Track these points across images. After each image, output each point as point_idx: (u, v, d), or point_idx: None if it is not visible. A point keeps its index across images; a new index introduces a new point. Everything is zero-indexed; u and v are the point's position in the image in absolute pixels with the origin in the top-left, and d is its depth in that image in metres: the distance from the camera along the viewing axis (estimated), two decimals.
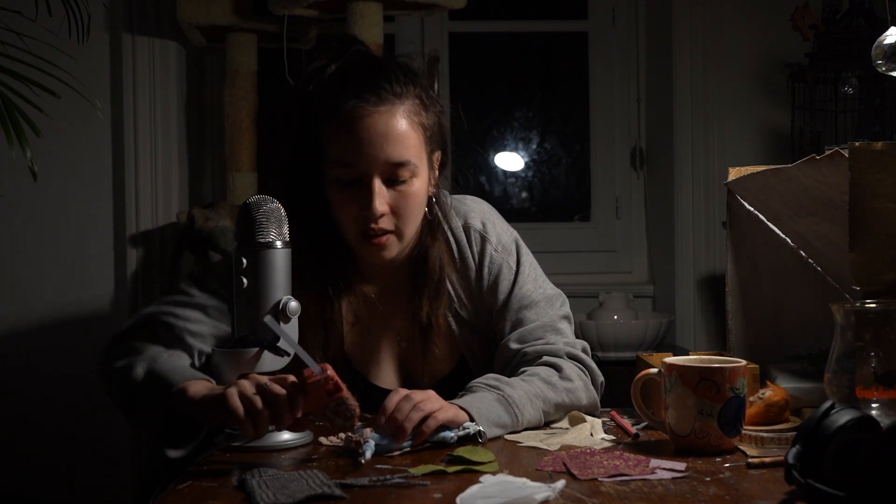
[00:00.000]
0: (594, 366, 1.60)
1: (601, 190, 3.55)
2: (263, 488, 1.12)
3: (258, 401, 1.26)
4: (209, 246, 2.73)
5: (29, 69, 2.03)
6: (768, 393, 1.42)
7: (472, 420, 1.35)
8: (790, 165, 1.51)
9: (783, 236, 1.68)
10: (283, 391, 1.26)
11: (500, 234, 1.65)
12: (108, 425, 2.94)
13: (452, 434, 1.32)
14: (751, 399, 1.39)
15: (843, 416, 1.07)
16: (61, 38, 2.12)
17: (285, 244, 1.38)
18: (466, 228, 1.64)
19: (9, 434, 3.06)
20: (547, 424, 1.49)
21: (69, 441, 3.06)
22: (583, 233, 3.56)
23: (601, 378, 1.60)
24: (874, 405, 1.23)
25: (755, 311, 1.68)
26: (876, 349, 1.24)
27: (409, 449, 1.31)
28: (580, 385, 1.53)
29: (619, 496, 1.10)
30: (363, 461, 1.23)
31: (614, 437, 1.40)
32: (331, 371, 1.27)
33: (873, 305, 1.28)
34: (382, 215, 1.50)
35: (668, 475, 1.18)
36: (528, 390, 1.46)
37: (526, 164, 3.67)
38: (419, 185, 1.53)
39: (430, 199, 1.58)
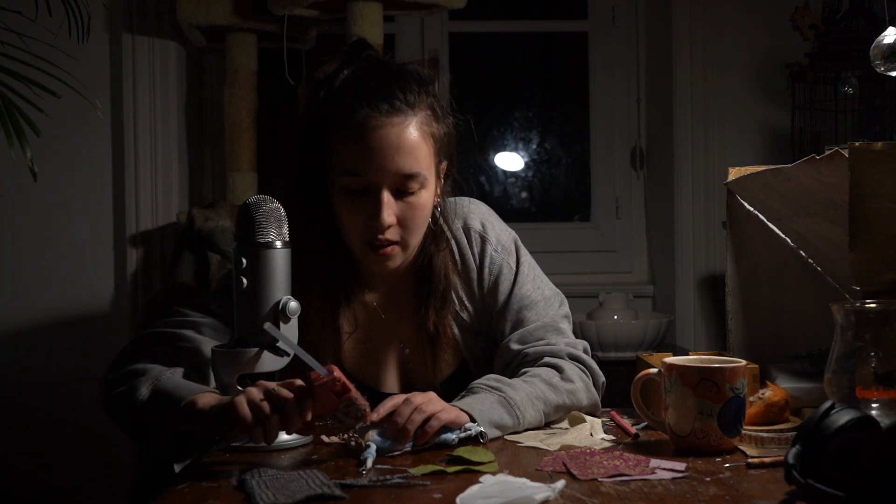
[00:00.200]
0: (595, 366, 1.59)
1: (601, 190, 3.55)
2: (263, 488, 1.12)
3: (266, 406, 1.25)
4: (208, 246, 2.73)
5: (29, 69, 2.02)
6: (768, 393, 1.42)
7: (473, 421, 1.35)
8: (790, 165, 1.51)
9: (783, 236, 1.68)
10: (290, 395, 1.26)
11: (500, 234, 1.65)
12: (107, 425, 2.92)
13: (454, 436, 1.32)
14: (751, 399, 1.39)
15: (843, 416, 1.07)
16: (61, 38, 2.12)
17: (285, 244, 1.38)
18: (466, 230, 1.63)
19: (9, 434, 3.06)
20: (547, 425, 1.49)
21: (69, 441, 3.06)
22: (583, 233, 3.56)
23: (602, 378, 1.60)
24: (874, 405, 1.23)
25: (755, 311, 1.68)
26: (876, 349, 1.24)
27: (409, 449, 1.31)
28: (581, 386, 1.53)
29: (619, 496, 1.10)
30: (364, 471, 1.23)
31: (614, 437, 1.40)
32: (337, 372, 1.26)
33: (873, 305, 1.28)
34: (390, 226, 1.49)
35: (668, 475, 1.18)
36: (530, 392, 1.46)
37: (526, 164, 3.67)
38: (427, 197, 1.52)
39: (434, 208, 1.57)
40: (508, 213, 3.61)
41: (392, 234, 1.50)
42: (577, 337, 1.64)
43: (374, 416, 1.31)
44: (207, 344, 1.46)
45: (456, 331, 1.62)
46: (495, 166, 3.64)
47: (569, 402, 1.51)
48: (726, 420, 1.27)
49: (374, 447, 1.27)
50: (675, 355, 1.41)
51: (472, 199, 1.69)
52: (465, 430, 1.33)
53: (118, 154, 3.10)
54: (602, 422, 1.47)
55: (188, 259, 2.83)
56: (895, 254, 1.34)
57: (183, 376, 1.41)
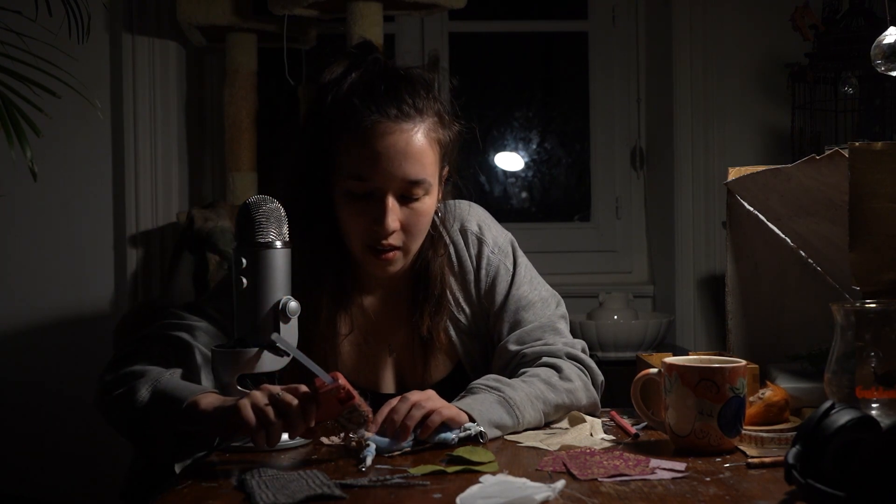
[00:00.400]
0: (594, 365, 1.59)
1: (601, 190, 3.56)
2: (263, 488, 1.12)
3: (271, 412, 1.25)
4: (207, 247, 2.73)
5: (29, 69, 2.02)
6: (768, 393, 1.42)
7: (472, 421, 1.35)
8: (790, 165, 1.51)
9: (783, 236, 1.68)
10: (295, 401, 1.26)
11: (496, 236, 1.65)
12: (107, 426, 2.93)
13: (454, 435, 1.32)
14: (751, 399, 1.39)
15: (843, 416, 1.07)
16: (61, 38, 2.12)
17: (285, 244, 1.38)
18: (463, 232, 1.63)
19: (9, 434, 3.06)
20: (547, 425, 1.49)
21: (69, 441, 3.06)
22: (583, 233, 3.56)
23: (601, 378, 1.60)
24: (874, 405, 1.23)
25: (755, 311, 1.68)
26: (876, 349, 1.24)
27: (409, 449, 1.31)
28: (580, 385, 1.53)
29: (619, 496, 1.10)
30: (363, 468, 1.23)
31: (614, 437, 1.40)
32: (342, 380, 1.26)
33: (873, 305, 1.28)
34: (393, 232, 1.48)
35: (668, 475, 1.18)
36: (529, 391, 1.46)
37: (526, 164, 3.67)
38: (430, 203, 1.52)
39: (434, 212, 1.57)
40: (508, 213, 3.61)
41: (395, 240, 1.49)
42: (576, 337, 1.64)
43: (374, 427, 1.30)
44: (200, 348, 1.46)
45: (452, 333, 1.62)
46: (495, 166, 3.64)
47: (568, 402, 1.51)
48: (726, 420, 1.27)
49: (373, 446, 1.27)
50: (675, 355, 1.41)
51: (468, 202, 1.69)
52: (465, 429, 1.33)
53: (118, 154, 3.10)
54: (602, 422, 1.47)
55: (188, 259, 2.83)
56: (895, 254, 1.34)
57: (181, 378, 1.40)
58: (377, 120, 1.45)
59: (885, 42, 1.71)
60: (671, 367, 1.30)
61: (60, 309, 3.10)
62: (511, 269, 1.63)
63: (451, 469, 1.21)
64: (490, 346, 1.64)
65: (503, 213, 3.54)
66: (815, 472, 1.05)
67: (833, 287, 1.66)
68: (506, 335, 1.60)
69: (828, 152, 1.41)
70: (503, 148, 3.65)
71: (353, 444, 1.30)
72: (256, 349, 1.35)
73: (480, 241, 1.63)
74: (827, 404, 1.09)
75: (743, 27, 3.28)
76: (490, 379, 1.48)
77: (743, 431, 1.32)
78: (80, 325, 3.09)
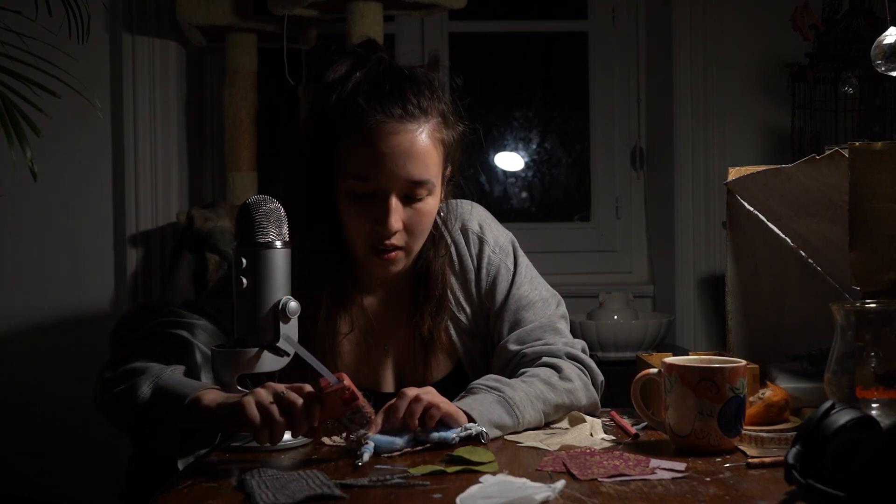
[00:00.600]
0: (594, 365, 1.59)
1: (601, 190, 3.55)
2: (263, 488, 1.12)
3: (275, 410, 1.25)
4: (207, 247, 2.73)
5: (29, 69, 2.02)
6: (768, 393, 1.42)
7: (472, 421, 1.35)
8: (790, 165, 1.51)
9: (783, 236, 1.68)
10: (300, 400, 1.26)
11: (497, 236, 1.65)
12: (107, 425, 2.93)
13: (454, 434, 1.32)
14: (751, 399, 1.39)
15: (843, 416, 1.07)
16: (61, 38, 2.12)
17: (285, 244, 1.38)
18: (464, 231, 1.63)
19: (9, 434, 3.06)
20: (547, 425, 1.49)
21: (69, 441, 3.06)
22: (583, 233, 3.56)
23: (601, 378, 1.60)
24: (874, 405, 1.23)
25: (755, 311, 1.68)
26: (876, 349, 1.24)
27: (409, 449, 1.31)
28: (580, 385, 1.53)
29: (619, 496, 1.10)
30: (360, 463, 1.23)
31: (614, 437, 1.40)
32: (347, 381, 1.27)
33: (873, 305, 1.28)
34: (396, 232, 1.48)
35: (668, 475, 1.18)
36: (529, 392, 1.46)
37: (526, 164, 3.67)
38: (433, 203, 1.52)
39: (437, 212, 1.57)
40: (508, 213, 3.61)
41: (398, 240, 1.49)
42: (576, 337, 1.64)
43: (375, 428, 1.31)
44: (200, 346, 1.46)
45: (453, 333, 1.62)
46: (495, 166, 3.64)
47: (568, 402, 1.51)
48: (726, 420, 1.27)
49: (371, 444, 1.27)
50: (675, 355, 1.41)
51: (469, 202, 1.69)
52: (466, 429, 1.33)
53: (118, 154, 3.10)
54: (602, 422, 1.47)
55: (188, 259, 2.83)
56: (895, 254, 1.34)
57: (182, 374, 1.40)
58: (382, 120, 1.45)
59: (885, 42, 1.71)
60: (671, 367, 1.30)
61: (60, 309, 3.10)
62: (512, 269, 1.63)
63: (451, 469, 1.21)
64: (490, 346, 1.64)
65: (503, 213, 3.53)
66: (815, 472, 1.05)
67: (833, 287, 1.66)
68: (506, 335, 1.60)
69: (828, 152, 1.41)
70: (503, 148, 3.65)
71: (354, 444, 1.30)
72: (256, 349, 1.35)
73: (481, 241, 1.63)
74: (827, 404, 1.09)
75: (743, 27, 3.28)
76: (490, 379, 1.48)
77: (743, 431, 1.32)
78: (80, 325, 3.09)
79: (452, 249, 1.62)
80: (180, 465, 1.29)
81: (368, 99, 1.46)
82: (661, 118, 3.39)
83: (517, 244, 1.67)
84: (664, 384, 1.32)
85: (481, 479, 1.13)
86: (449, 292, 1.61)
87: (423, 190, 1.48)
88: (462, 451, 1.26)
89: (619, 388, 1.63)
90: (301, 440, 1.36)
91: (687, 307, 3.30)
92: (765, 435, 1.33)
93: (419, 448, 1.32)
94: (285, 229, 1.39)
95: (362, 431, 1.29)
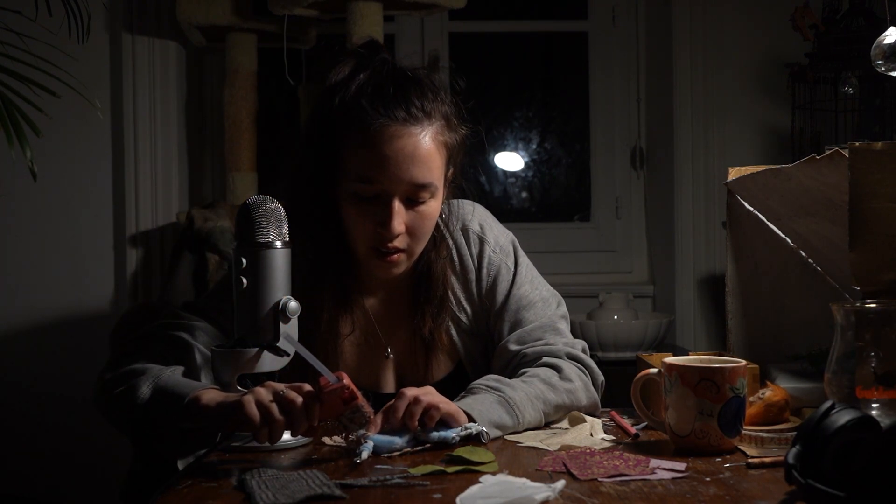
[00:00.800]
0: (594, 365, 1.59)
1: (601, 190, 3.55)
2: (263, 488, 1.12)
3: (275, 409, 1.25)
4: (207, 247, 2.73)
5: (29, 69, 2.02)
6: (768, 393, 1.42)
7: (472, 421, 1.35)
8: (790, 165, 1.51)
9: (783, 236, 1.68)
10: (299, 399, 1.26)
11: (498, 236, 1.65)
12: (107, 425, 2.93)
13: (455, 434, 1.32)
14: (751, 399, 1.39)
15: (843, 416, 1.07)
16: (61, 38, 2.12)
17: (285, 244, 1.38)
18: (465, 231, 1.63)
19: (9, 434, 3.06)
20: (547, 425, 1.49)
21: (69, 441, 3.06)
22: (583, 233, 3.56)
23: (601, 378, 1.60)
24: (874, 405, 1.23)
25: (755, 311, 1.68)
26: (876, 349, 1.24)
27: (409, 449, 1.31)
28: (580, 385, 1.53)
29: (619, 496, 1.10)
30: (358, 461, 1.23)
31: (614, 437, 1.40)
32: (347, 380, 1.27)
33: (873, 305, 1.28)
34: (399, 235, 1.48)
35: (668, 475, 1.18)
36: (529, 392, 1.46)
37: (526, 164, 3.67)
38: (436, 206, 1.52)
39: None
40: (508, 213, 3.61)
41: (400, 242, 1.49)
42: (576, 337, 1.64)
43: (375, 429, 1.31)
44: (200, 348, 1.46)
45: (454, 333, 1.62)
46: (495, 166, 3.64)
47: (568, 402, 1.51)
48: (726, 420, 1.27)
49: (370, 443, 1.27)
50: (675, 355, 1.41)
51: (470, 202, 1.69)
52: (466, 429, 1.33)
53: (118, 154, 3.10)
54: (602, 422, 1.47)
55: (188, 259, 2.83)
56: (895, 254, 1.34)
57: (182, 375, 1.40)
58: (385, 123, 1.45)
59: (885, 42, 1.71)
60: (671, 367, 1.30)
61: (60, 309, 3.10)
62: (512, 269, 1.63)
63: (451, 469, 1.21)
64: (491, 346, 1.64)
65: (503, 213, 3.53)
66: (815, 472, 1.05)
67: (833, 287, 1.66)
68: (506, 335, 1.60)
69: (828, 152, 1.41)
70: (503, 148, 3.65)
71: (354, 444, 1.30)
72: (256, 349, 1.35)
73: (482, 241, 1.63)
74: (827, 404, 1.09)
75: (743, 27, 3.28)
76: (490, 379, 1.48)
77: (743, 431, 1.32)
78: (80, 325, 3.09)
79: (453, 250, 1.62)
80: (180, 465, 1.29)
81: (372, 101, 1.46)
82: (661, 118, 3.39)
83: (518, 244, 1.67)
84: (664, 384, 1.32)
85: (481, 479, 1.13)
86: (449, 292, 1.61)
87: (425, 193, 1.48)
88: (462, 451, 1.26)
89: (619, 388, 1.63)
90: (300, 440, 1.36)
91: (687, 307, 3.30)
92: (765, 435, 1.33)
93: (419, 448, 1.32)
94: (285, 229, 1.39)
95: (361, 432, 1.29)
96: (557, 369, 1.53)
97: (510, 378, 1.50)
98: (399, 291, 1.62)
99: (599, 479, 1.16)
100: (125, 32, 3.06)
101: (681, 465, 1.21)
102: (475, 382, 1.47)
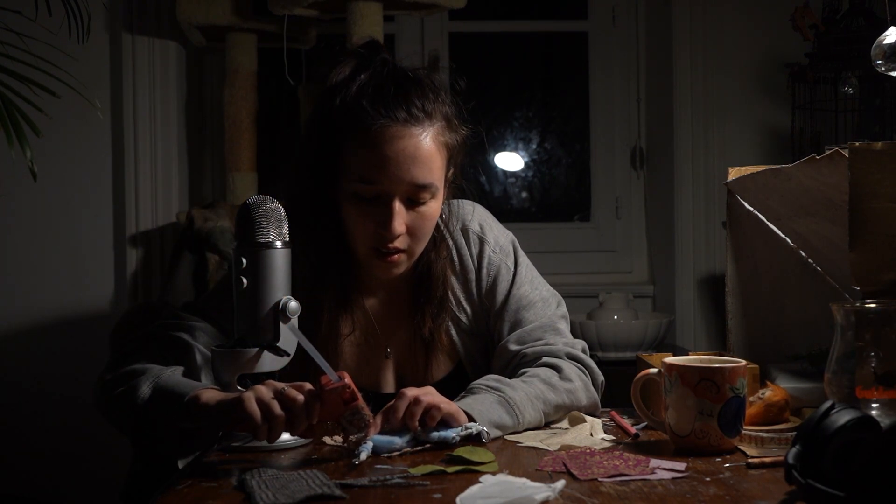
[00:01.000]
0: (594, 365, 1.59)
1: (601, 190, 3.56)
2: (263, 488, 1.12)
3: (276, 406, 1.25)
4: (207, 247, 2.73)
5: (29, 69, 2.02)
6: (768, 393, 1.42)
7: (473, 421, 1.35)
8: (790, 165, 1.51)
9: (783, 236, 1.68)
10: (300, 397, 1.26)
11: (498, 236, 1.65)
12: (108, 425, 2.93)
13: (455, 434, 1.32)
14: (751, 399, 1.39)
15: (843, 416, 1.07)
16: (61, 38, 2.12)
17: (285, 244, 1.38)
18: (465, 231, 1.63)
19: (9, 434, 3.06)
20: (547, 425, 1.49)
21: (69, 441, 3.06)
22: (583, 233, 3.56)
23: (601, 378, 1.60)
24: (874, 405, 1.23)
25: (755, 311, 1.68)
26: (876, 349, 1.24)
27: (408, 449, 1.31)
28: (580, 385, 1.53)
29: (619, 496, 1.10)
30: (357, 462, 1.23)
31: (614, 437, 1.40)
32: (348, 379, 1.27)
33: (873, 305, 1.28)
34: (399, 235, 1.48)
35: (668, 475, 1.18)
36: (529, 392, 1.46)
37: (526, 164, 3.67)
38: (436, 206, 1.52)
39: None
40: (508, 213, 3.61)
41: (400, 243, 1.49)
42: (576, 337, 1.64)
43: (375, 430, 1.30)
44: (200, 348, 1.46)
45: (454, 333, 1.62)
46: (495, 166, 3.64)
47: (568, 402, 1.51)
48: (726, 420, 1.27)
49: (370, 443, 1.27)
50: (675, 355, 1.41)
51: (470, 202, 1.69)
52: (466, 428, 1.33)
53: (118, 154, 3.10)
54: (602, 422, 1.47)
55: (188, 259, 2.83)
56: (895, 254, 1.34)
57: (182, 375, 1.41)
58: (386, 124, 1.45)
59: (885, 42, 1.71)
60: (671, 367, 1.30)
61: (60, 309, 3.10)
62: (512, 269, 1.63)
63: (451, 469, 1.21)
64: (491, 346, 1.64)
65: (503, 213, 3.53)
66: (815, 472, 1.05)
67: (833, 287, 1.66)
68: (506, 335, 1.60)
69: (828, 152, 1.41)
70: (503, 148, 3.65)
71: (353, 446, 1.30)
72: (256, 349, 1.35)
73: (482, 241, 1.63)
74: (827, 404, 1.09)
75: (743, 27, 3.28)
76: (490, 379, 1.48)
77: (743, 431, 1.32)
78: (80, 325, 3.09)
79: (453, 250, 1.62)
80: (180, 465, 1.29)
81: (373, 102, 1.46)
82: (661, 118, 3.39)
83: (517, 244, 1.67)
84: (664, 384, 1.32)
85: (481, 479, 1.13)
86: (449, 292, 1.61)
87: (426, 193, 1.48)
88: (462, 451, 1.26)
89: (619, 388, 1.63)
90: (300, 441, 1.36)
91: (687, 307, 3.30)
92: (765, 435, 1.33)
93: (419, 448, 1.32)
94: (285, 229, 1.39)
95: (361, 435, 1.28)
96: (557, 369, 1.53)
97: (510, 378, 1.50)
98: (399, 292, 1.62)
99: (599, 479, 1.16)
100: (125, 32, 3.07)
101: (681, 465, 1.21)
102: (475, 382, 1.47)
